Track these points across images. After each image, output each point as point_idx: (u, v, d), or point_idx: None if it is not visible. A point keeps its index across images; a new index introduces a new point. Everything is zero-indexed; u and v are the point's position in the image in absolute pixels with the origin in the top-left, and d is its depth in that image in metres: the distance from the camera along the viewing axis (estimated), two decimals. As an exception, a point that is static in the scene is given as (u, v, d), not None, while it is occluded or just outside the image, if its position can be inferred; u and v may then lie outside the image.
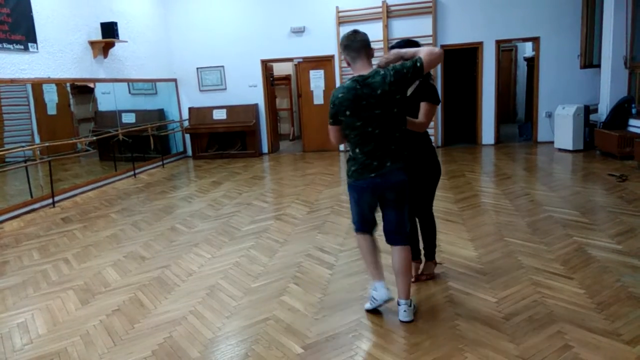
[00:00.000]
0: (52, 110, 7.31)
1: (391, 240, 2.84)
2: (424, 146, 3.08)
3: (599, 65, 8.03)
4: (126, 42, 8.14)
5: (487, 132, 9.18)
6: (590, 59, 8.29)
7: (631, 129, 7.20)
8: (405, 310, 2.80)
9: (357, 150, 2.70)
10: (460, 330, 2.66)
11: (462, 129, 9.86)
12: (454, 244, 3.99)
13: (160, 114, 9.67)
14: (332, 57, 9.37)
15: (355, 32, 2.70)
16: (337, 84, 9.40)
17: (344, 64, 9.15)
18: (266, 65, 9.80)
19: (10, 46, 6.00)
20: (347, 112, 2.62)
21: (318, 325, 2.83)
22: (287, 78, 11.83)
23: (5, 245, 4.79)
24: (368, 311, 2.93)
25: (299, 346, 2.62)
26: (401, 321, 2.80)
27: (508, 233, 4.19)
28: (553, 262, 3.51)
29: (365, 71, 2.64)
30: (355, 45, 2.65)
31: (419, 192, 3.13)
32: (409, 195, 2.84)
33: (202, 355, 2.60)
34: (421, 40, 9.27)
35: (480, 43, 8.84)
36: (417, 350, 2.50)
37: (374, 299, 2.89)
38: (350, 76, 2.69)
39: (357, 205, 2.83)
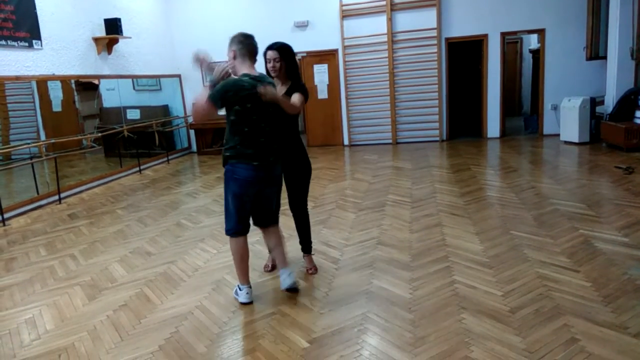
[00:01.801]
0: (57, 107, 7.33)
1: (265, 223, 3.16)
2: (296, 146, 3.31)
3: (605, 57, 7.96)
4: (130, 38, 8.14)
5: (493, 125, 9.13)
6: (596, 51, 8.21)
7: (638, 121, 7.13)
8: (289, 275, 3.12)
9: (245, 142, 2.85)
10: (465, 323, 2.66)
11: (467, 122, 9.82)
12: (459, 238, 3.99)
13: (165, 109, 9.67)
14: (336, 51, 9.32)
15: (252, 36, 2.92)
16: (342, 79, 9.37)
17: (348, 59, 9.23)
18: (270, 60, 9.76)
19: (15, 43, 6.02)
20: (248, 105, 2.81)
21: (324, 319, 2.84)
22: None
23: (13, 242, 4.83)
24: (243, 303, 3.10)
25: (305, 340, 2.62)
26: (288, 289, 3.12)
27: (514, 226, 4.18)
28: (559, 255, 3.50)
29: (252, 72, 2.87)
30: (252, 47, 2.90)
31: (294, 190, 3.39)
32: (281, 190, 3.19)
33: (208, 350, 2.61)
34: (426, 34, 9.24)
35: (485, 35, 8.77)
36: (423, 344, 2.50)
37: (237, 296, 3.13)
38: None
39: (237, 199, 2.95)
